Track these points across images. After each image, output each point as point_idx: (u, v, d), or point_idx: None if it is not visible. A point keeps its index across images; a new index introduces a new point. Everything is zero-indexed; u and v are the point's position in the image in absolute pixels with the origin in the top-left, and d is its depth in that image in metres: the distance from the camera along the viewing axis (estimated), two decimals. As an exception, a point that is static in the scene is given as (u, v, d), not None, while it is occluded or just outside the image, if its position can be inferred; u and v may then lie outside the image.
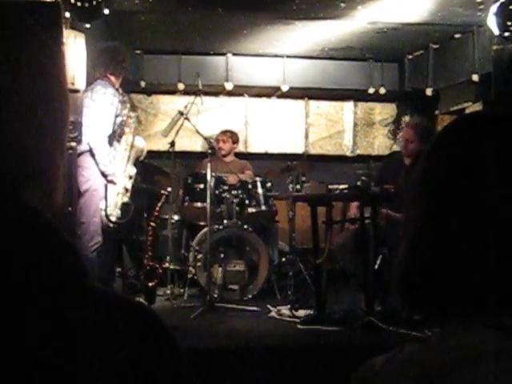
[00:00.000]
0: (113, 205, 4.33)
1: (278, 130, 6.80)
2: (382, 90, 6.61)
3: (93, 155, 4.28)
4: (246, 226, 4.97)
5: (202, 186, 5.00)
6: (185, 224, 5.38)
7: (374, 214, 4.00)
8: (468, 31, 5.64)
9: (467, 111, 5.63)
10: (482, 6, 4.92)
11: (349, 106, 6.98)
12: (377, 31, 5.59)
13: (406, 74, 6.65)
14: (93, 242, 4.23)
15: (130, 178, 4.51)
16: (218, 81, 6.32)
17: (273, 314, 4.34)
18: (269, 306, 4.51)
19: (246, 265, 4.96)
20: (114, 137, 4.43)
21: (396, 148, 6.23)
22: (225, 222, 4.99)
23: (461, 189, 0.70)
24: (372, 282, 3.90)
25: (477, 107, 5.55)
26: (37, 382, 0.56)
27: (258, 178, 5.22)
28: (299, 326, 3.92)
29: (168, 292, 4.77)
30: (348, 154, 6.98)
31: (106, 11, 4.26)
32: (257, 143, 6.79)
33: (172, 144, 4.85)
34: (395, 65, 6.73)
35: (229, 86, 6.37)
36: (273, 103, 6.85)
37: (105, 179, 4.31)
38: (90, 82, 4.34)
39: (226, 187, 5.12)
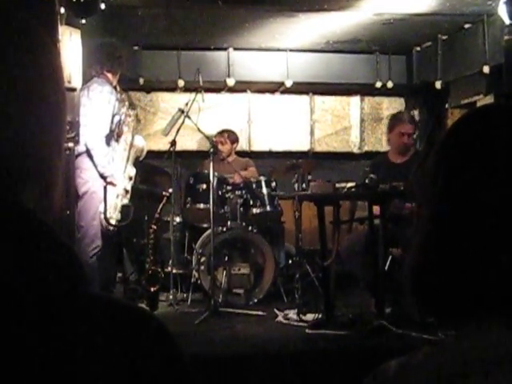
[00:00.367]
0: (112, 207, 4.32)
1: (282, 127, 6.74)
2: (390, 84, 6.54)
3: (91, 156, 4.25)
4: (250, 228, 4.98)
5: (204, 186, 4.99)
6: (187, 226, 5.35)
7: (382, 213, 3.96)
8: (478, 21, 5.58)
9: (478, 104, 5.62)
10: (491, -5, 4.94)
11: (355, 100, 6.90)
12: (383, 22, 5.55)
13: (414, 67, 6.58)
14: (92, 246, 4.23)
15: (130, 179, 4.49)
16: (220, 77, 6.27)
17: (279, 318, 4.33)
18: (275, 311, 4.50)
19: (251, 268, 4.96)
20: (113, 136, 4.41)
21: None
22: (229, 223, 4.99)
23: (474, 185, 0.68)
24: (382, 284, 3.90)
25: (488, 100, 5.54)
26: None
27: (262, 178, 5.20)
28: (307, 331, 3.91)
29: (171, 297, 4.75)
30: (355, 150, 6.91)
31: (103, 6, 4.23)
32: (260, 141, 6.73)
33: (173, 143, 4.83)
34: (403, 57, 6.65)
35: (230, 82, 6.31)
36: (276, 99, 6.79)
37: (104, 181, 4.28)
38: (87, 79, 4.32)
39: (229, 187, 5.12)
